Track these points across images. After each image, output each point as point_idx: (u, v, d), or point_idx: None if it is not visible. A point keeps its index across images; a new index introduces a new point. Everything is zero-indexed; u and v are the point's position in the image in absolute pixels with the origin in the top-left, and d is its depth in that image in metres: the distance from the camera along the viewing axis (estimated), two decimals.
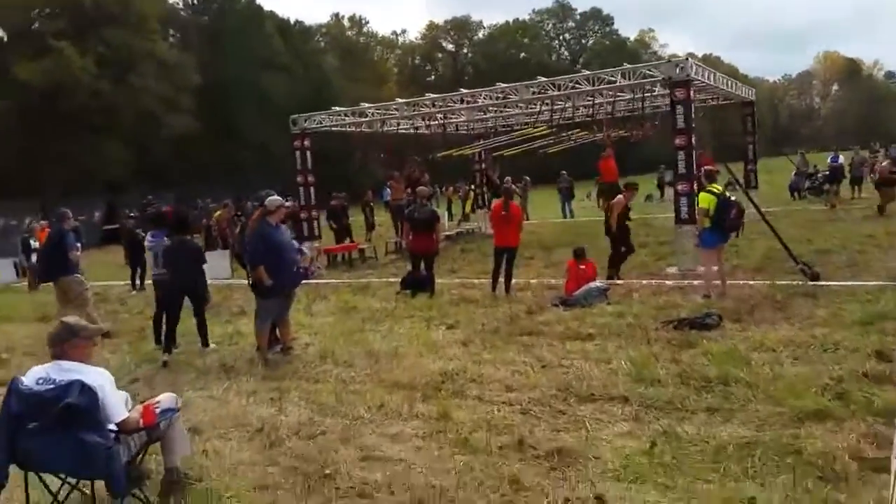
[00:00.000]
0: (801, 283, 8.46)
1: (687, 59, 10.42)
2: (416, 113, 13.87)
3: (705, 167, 8.54)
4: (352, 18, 73.80)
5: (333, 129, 14.96)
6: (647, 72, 11.39)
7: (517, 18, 78.07)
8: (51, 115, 36.84)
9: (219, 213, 17.42)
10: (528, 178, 21.40)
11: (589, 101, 13.68)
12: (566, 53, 78.56)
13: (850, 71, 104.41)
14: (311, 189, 14.19)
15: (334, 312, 9.47)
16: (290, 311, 7.67)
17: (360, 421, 5.13)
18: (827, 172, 21.09)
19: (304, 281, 10.20)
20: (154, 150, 40.77)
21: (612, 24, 79.62)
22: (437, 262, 10.79)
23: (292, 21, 60.94)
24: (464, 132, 18.33)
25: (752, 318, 7.12)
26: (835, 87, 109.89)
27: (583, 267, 9.04)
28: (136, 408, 3.97)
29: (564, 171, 22.31)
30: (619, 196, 10.25)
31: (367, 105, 14.53)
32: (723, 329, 6.80)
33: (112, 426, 3.66)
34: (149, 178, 37.60)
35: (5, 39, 39.20)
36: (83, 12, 39.39)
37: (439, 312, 8.62)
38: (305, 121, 14.18)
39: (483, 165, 19.50)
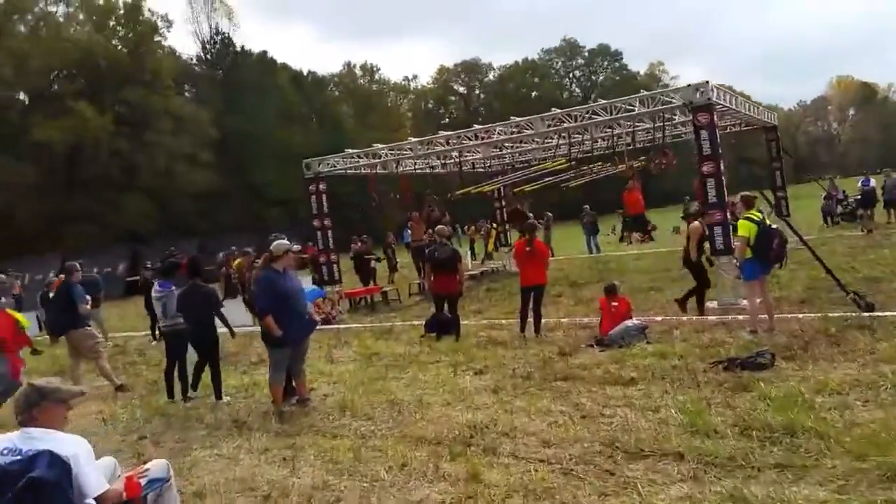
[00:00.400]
0: (854, 314, 7.80)
1: (707, 82, 10.01)
2: (430, 151, 13.50)
3: (742, 193, 7.99)
4: (364, 66, 74.75)
5: (348, 171, 14.67)
6: (666, 98, 10.96)
7: (526, 58, 78.84)
8: (71, 174, 37.46)
9: (239, 260, 17.06)
10: (549, 213, 21.01)
11: (607, 131, 13.28)
12: (577, 90, 78.88)
13: (865, 95, 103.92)
14: (329, 233, 13.86)
15: (355, 359, 8.98)
16: (308, 359, 7.26)
17: (380, 484, 4.60)
18: (859, 197, 20.31)
19: (322, 327, 9.80)
20: (175, 204, 41.15)
21: (622, 59, 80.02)
22: (462, 303, 10.34)
23: (305, 72, 61.94)
24: (481, 170, 17.95)
25: (808, 356, 6.49)
26: (851, 111, 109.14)
27: (615, 304, 8.48)
28: (120, 478, 3.51)
29: (587, 206, 21.77)
30: (695, 223, 9.58)
31: (379, 146, 14.20)
32: (777, 369, 6.19)
33: (90, 501, 3.19)
34: (172, 231, 37.70)
35: (27, 102, 40.11)
36: (99, 72, 40.41)
37: (466, 356, 8.09)
38: (319, 164, 13.93)
39: (503, 203, 19.10)
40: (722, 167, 9.92)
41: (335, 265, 13.86)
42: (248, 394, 7.72)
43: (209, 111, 45.88)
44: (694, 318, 8.94)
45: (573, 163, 13.52)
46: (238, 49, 54.56)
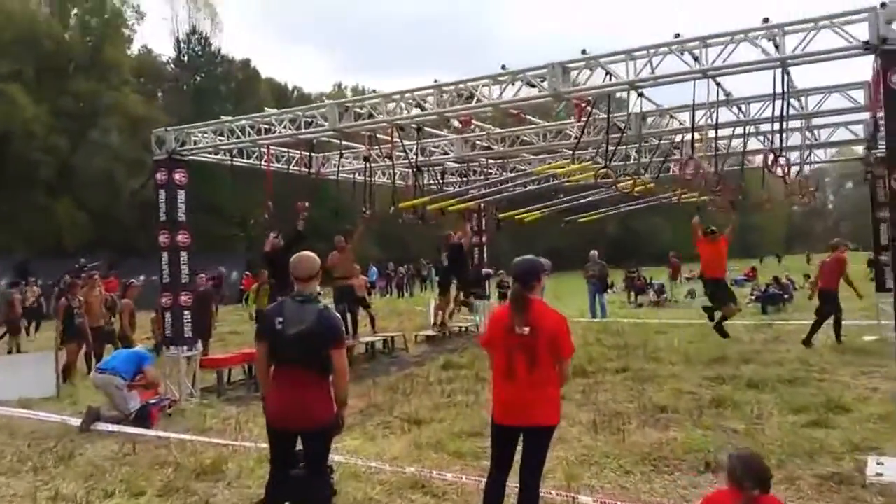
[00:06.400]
0: None
1: None
2: (354, 125, 7.24)
3: None
4: (355, 89, 71.07)
5: (234, 162, 8.87)
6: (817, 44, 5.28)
7: None
8: None
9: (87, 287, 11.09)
10: (546, 259, 14.54)
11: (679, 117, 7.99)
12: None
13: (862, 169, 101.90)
14: (182, 256, 7.98)
15: None
16: None
17: None
18: None
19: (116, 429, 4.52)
20: (113, 215, 35.84)
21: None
22: (384, 396, 4.86)
23: (290, 87, 57.91)
24: (451, 187, 11.80)
25: None
26: (849, 184, 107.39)
27: None
28: None
29: (595, 252, 15.96)
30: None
31: (272, 112, 8.01)
32: None
33: None
34: (107, 247, 31.78)
35: None
36: (43, 55, 35.37)
37: None
38: (178, 140, 8.05)
39: (483, 237, 13.17)
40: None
41: (184, 311, 7.87)
42: None
43: (172, 116, 41.20)
44: None
45: (612, 172, 7.44)
46: (216, 54, 49.97)
